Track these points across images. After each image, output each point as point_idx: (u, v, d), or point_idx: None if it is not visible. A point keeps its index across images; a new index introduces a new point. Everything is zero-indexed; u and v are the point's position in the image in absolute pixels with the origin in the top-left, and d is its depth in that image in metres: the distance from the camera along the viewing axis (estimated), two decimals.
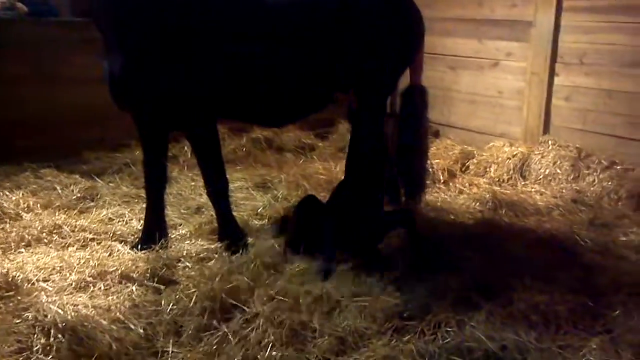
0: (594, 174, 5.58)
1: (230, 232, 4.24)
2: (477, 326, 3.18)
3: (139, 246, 4.17)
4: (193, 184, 5.56)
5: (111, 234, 4.42)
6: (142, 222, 4.45)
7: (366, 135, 4.34)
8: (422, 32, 4.66)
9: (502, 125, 6.66)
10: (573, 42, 5.94)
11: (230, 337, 3.13)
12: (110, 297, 3.51)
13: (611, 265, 4.09)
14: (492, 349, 2.94)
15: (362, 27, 4.19)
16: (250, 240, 4.33)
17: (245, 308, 3.36)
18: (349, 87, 4.49)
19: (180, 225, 4.67)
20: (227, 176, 4.22)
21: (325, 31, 4.11)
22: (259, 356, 3.00)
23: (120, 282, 3.70)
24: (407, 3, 4.54)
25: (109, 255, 4.08)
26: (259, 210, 4.97)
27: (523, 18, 6.30)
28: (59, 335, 3.03)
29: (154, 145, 4.15)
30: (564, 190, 5.49)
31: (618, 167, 5.55)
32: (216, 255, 4.06)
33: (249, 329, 3.17)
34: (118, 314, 3.33)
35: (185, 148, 6.21)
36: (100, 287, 3.63)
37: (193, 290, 3.50)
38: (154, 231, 4.22)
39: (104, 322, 3.21)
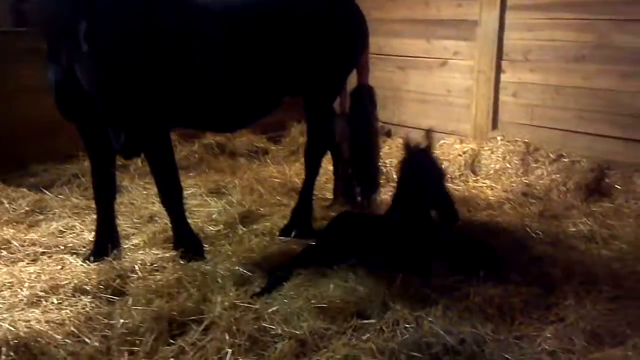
0: (543, 167, 5.71)
1: (185, 240, 4.18)
2: (434, 321, 3.21)
3: (91, 258, 4.08)
4: (145, 192, 5.48)
5: (62, 247, 4.32)
6: (93, 233, 4.37)
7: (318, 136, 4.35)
8: (366, 33, 4.71)
9: (452, 123, 6.76)
10: (518, 39, 6.07)
11: (187, 348, 3.08)
12: (63, 311, 3.42)
13: (562, 255, 4.18)
14: (450, 342, 2.98)
15: (307, 32, 4.22)
16: (206, 247, 4.28)
17: (202, 318, 3.31)
18: (298, 90, 4.50)
19: (134, 234, 4.60)
20: (181, 183, 4.18)
21: (273, 37, 4.11)
22: None
23: (73, 296, 3.62)
24: (350, 6, 4.59)
25: (61, 268, 3.97)
26: (213, 217, 4.92)
27: (469, 17, 6.41)
28: (12, 353, 2.96)
29: (102, 156, 4.07)
30: (514, 184, 5.60)
31: (565, 160, 5.69)
32: (171, 264, 3.99)
33: (207, 339, 3.13)
34: (72, 327, 3.25)
35: None
36: (53, 302, 3.53)
37: (147, 302, 3.44)
38: (106, 242, 4.14)
39: (58, 337, 3.14)
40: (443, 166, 4.22)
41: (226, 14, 4.00)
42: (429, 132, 4.06)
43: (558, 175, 5.53)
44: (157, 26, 3.66)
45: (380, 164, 5.13)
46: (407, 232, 3.92)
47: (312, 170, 4.83)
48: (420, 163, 3.95)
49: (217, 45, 3.93)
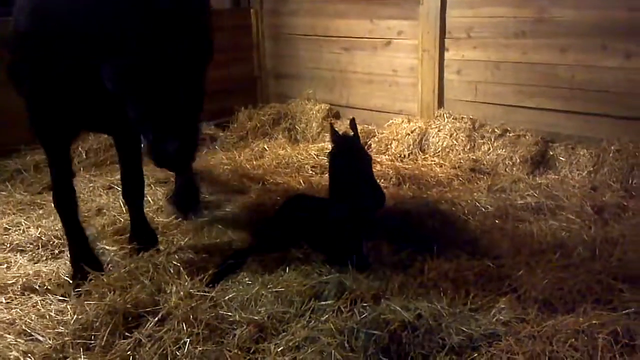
0: (489, 142, 5.81)
1: (142, 234, 4.10)
2: (391, 298, 3.25)
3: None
4: (91, 185, 5.36)
5: (8, 245, 4.19)
6: (40, 229, 4.30)
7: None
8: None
9: (399, 102, 6.80)
10: (459, 16, 6.12)
11: (144, 340, 3.04)
12: (13, 310, 3.35)
13: (511, 228, 4.29)
14: (408, 318, 3.00)
15: None
16: (158, 238, 4.22)
17: (157, 309, 3.26)
18: None
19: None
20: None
21: None
22: (178, 354, 2.94)
23: (22, 294, 3.54)
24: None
25: (7, 267, 3.88)
26: (163, 206, 4.85)
27: None
28: None
29: (66, 160, 3.80)
30: (462, 161, 5.68)
31: (510, 134, 5.80)
32: (122, 257, 3.92)
33: (164, 330, 3.09)
34: (24, 326, 3.19)
35: (80, 149, 5.97)
36: (1, 301, 3.46)
37: (100, 296, 3.38)
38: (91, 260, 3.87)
39: (10, 337, 3.08)
40: (369, 153, 4.19)
41: None
42: (352, 121, 4.06)
43: (504, 150, 5.65)
44: None
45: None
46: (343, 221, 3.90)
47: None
48: (348, 151, 3.94)
49: None
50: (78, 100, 3.44)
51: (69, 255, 3.88)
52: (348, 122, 4.20)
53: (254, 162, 6.03)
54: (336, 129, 4.10)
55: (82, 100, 3.44)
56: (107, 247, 4.12)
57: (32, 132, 3.65)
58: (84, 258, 3.78)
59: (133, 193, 4.06)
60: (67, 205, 3.78)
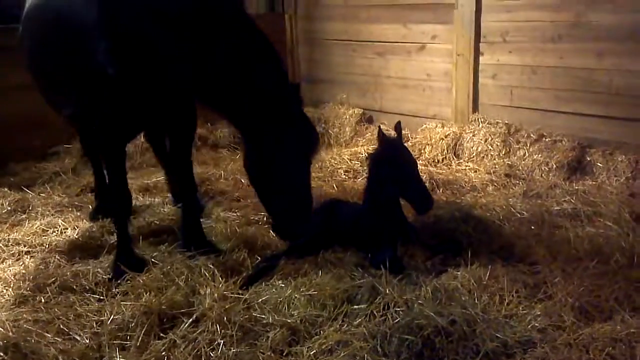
0: (524, 147, 5.75)
1: (196, 239, 4.14)
2: (424, 303, 3.21)
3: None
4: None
5: (47, 246, 4.27)
6: (78, 230, 4.35)
7: None
8: None
9: (433, 107, 6.77)
10: (495, 21, 6.08)
11: (178, 341, 3.06)
12: (52, 310, 3.40)
13: (547, 234, 4.23)
14: (441, 324, 2.98)
15: None
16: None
17: (192, 310, 3.29)
18: None
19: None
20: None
21: None
22: (212, 355, 2.96)
23: (60, 294, 3.59)
24: None
25: (46, 267, 3.94)
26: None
27: (445, 0, 6.39)
28: (1, 353, 2.93)
29: (123, 163, 3.91)
30: (496, 166, 5.63)
31: (547, 140, 5.73)
32: (156, 261, 3.94)
33: (198, 331, 3.11)
34: (61, 325, 3.23)
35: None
36: (40, 300, 3.51)
37: (136, 297, 3.43)
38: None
39: (48, 335, 3.12)
40: (414, 156, 4.20)
41: None
42: (398, 125, 4.05)
43: (540, 155, 5.58)
44: None
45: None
46: (377, 221, 3.94)
47: None
48: (393, 153, 3.94)
49: None
50: (147, 103, 3.60)
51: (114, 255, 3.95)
52: (382, 127, 4.19)
53: None
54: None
55: (149, 103, 3.61)
56: (142, 250, 4.16)
57: (97, 139, 3.74)
58: (128, 260, 3.84)
59: (183, 190, 4.21)
60: (122, 209, 3.91)
